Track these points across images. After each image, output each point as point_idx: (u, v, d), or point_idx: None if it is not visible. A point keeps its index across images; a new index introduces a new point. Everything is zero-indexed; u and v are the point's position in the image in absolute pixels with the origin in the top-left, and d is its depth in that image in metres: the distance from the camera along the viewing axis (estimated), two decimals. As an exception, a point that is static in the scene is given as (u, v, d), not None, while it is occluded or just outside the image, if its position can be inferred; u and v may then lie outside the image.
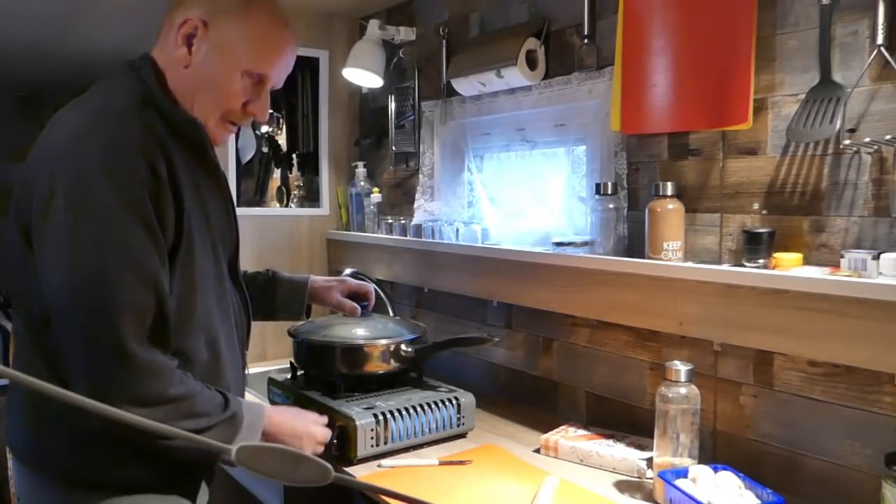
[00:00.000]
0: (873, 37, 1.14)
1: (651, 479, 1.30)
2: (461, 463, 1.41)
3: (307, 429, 1.28)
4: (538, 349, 1.80)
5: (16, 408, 1.13)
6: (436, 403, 1.51)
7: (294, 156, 2.53)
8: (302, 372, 1.69)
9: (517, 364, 1.86)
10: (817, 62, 1.22)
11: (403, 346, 1.59)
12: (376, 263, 2.23)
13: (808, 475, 1.26)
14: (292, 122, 2.51)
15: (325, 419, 1.36)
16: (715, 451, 1.40)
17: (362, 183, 2.38)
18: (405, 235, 2.15)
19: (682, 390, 1.23)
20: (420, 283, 2.09)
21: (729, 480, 1.18)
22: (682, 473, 1.21)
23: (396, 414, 1.44)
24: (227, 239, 1.22)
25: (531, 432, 1.61)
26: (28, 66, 3.44)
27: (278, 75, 1.18)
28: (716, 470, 1.21)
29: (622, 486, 1.32)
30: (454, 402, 1.54)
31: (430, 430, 1.50)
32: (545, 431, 1.53)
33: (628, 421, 1.58)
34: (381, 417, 1.42)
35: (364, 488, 0.91)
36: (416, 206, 2.21)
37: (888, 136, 1.12)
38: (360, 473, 1.36)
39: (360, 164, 2.41)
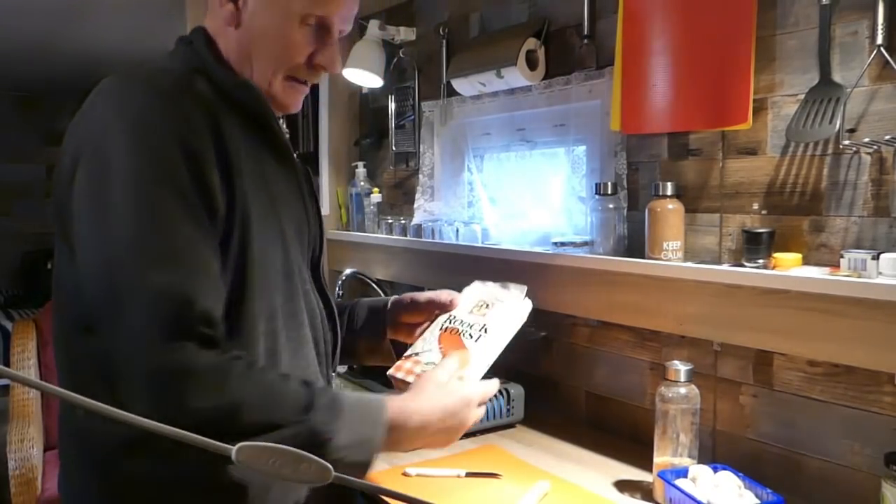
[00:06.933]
0: (873, 37, 1.14)
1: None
2: (491, 476, 1.35)
3: (456, 415, 0.98)
4: (538, 349, 1.80)
5: (63, 457, 1.00)
6: None
7: (294, 156, 2.53)
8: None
9: (517, 364, 1.86)
10: (817, 62, 1.22)
11: None
12: (376, 263, 2.23)
13: (808, 475, 1.26)
14: (292, 122, 2.51)
15: (487, 384, 1.05)
16: (715, 451, 1.40)
17: (362, 183, 2.38)
18: (405, 235, 2.15)
19: (682, 390, 1.24)
20: (420, 283, 2.09)
21: (729, 480, 1.18)
22: (682, 473, 1.21)
23: None
24: (302, 230, 1.06)
25: (531, 432, 1.61)
26: (28, 65, 3.44)
27: (342, 16, 1.01)
28: (715, 470, 1.21)
29: (622, 486, 1.32)
30: (504, 393, 1.61)
31: (481, 419, 1.54)
32: (544, 431, 1.54)
33: (628, 421, 1.58)
34: None
35: (364, 488, 0.91)
36: (416, 206, 2.21)
37: (888, 136, 1.12)
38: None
39: (360, 164, 2.41)
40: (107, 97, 0.89)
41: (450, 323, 1.13)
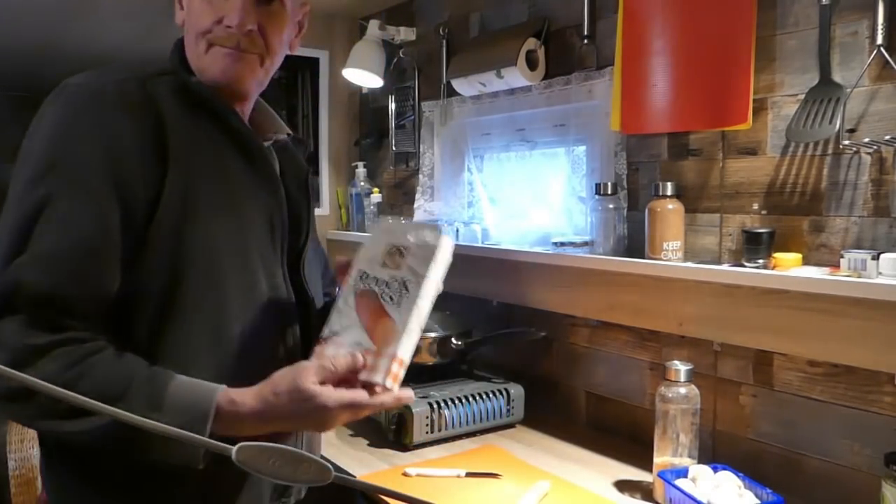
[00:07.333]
0: (873, 37, 1.14)
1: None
2: (491, 476, 1.35)
3: (305, 420, 0.90)
4: (538, 349, 1.80)
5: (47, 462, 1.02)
6: (486, 394, 1.59)
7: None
8: None
9: (517, 364, 1.86)
10: (817, 62, 1.22)
11: (453, 339, 1.68)
12: (376, 263, 2.23)
13: (808, 475, 1.26)
14: (292, 122, 2.51)
15: (341, 362, 0.89)
16: (715, 451, 1.40)
17: (362, 183, 2.38)
18: (405, 235, 2.15)
19: (682, 390, 1.24)
20: (420, 283, 2.09)
21: (729, 480, 1.18)
22: (682, 473, 1.21)
23: (450, 403, 1.53)
24: (275, 223, 1.04)
25: (531, 432, 1.61)
26: (28, 66, 3.44)
27: None
28: (715, 470, 1.21)
29: (622, 486, 1.32)
30: (504, 392, 1.62)
31: (481, 418, 1.57)
32: (544, 431, 1.54)
33: (628, 421, 1.58)
34: (435, 406, 1.51)
35: (364, 488, 0.91)
36: (416, 206, 2.21)
37: (888, 136, 1.12)
38: (395, 467, 1.37)
39: (360, 164, 2.41)
40: (50, 98, 0.94)
41: (362, 283, 0.95)
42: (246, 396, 0.88)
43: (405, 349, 0.90)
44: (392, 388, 0.89)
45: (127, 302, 0.90)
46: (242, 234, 0.99)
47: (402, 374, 0.90)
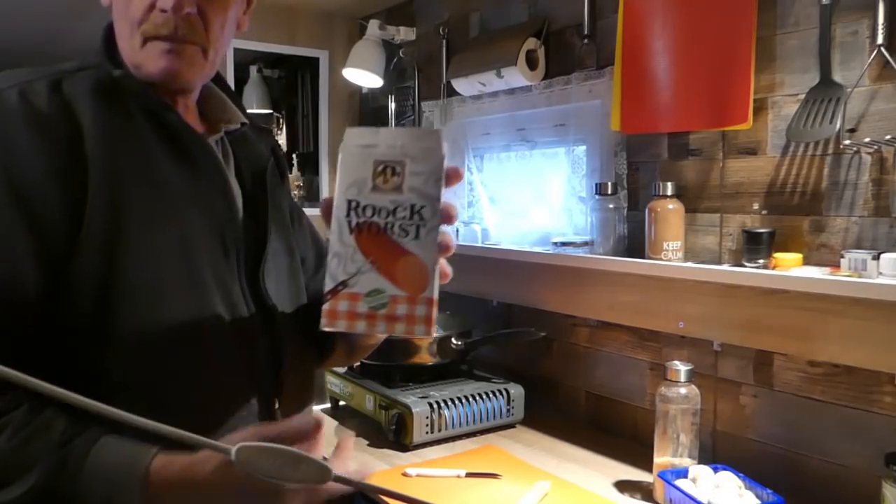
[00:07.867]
0: (873, 37, 1.14)
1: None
2: (491, 476, 1.35)
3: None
4: (538, 349, 1.80)
5: None
6: (486, 394, 1.59)
7: (294, 156, 2.53)
8: (358, 364, 1.77)
9: (517, 364, 1.86)
10: (817, 62, 1.22)
11: (453, 340, 1.67)
12: (376, 263, 2.23)
13: (808, 475, 1.26)
14: (292, 122, 2.51)
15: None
16: (715, 451, 1.40)
17: (362, 183, 2.38)
18: (405, 235, 2.15)
19: (682, 390, 1.24)
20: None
21: (729, 480, 1.18)
22: (682, 473, 1.21)
23: (450, 403, 1.53)
24: (226, 233, 0.91)
25: (531, 432, 1.61)
26: (28, 66, 3.44)
27: None
28: (716, 470, 1.21)
29: (622, 486, 1.32)
30: (504, 392, 1.62)
31: (481, 419, 1.58)
32: (544, 431, 1.54)
33: (628, 421, 1.58)
34: (435, 406, 1.51)
35: (364, 488, 0.90)
36: (416, 205, 2.21)
37: (888, 136, 1.12)
38: (398, 465, 1.36)
39: (360, 164, 2.40)
40: None
41: (357, 215, 0.75)
42: (173, 484, 0.72)
43: (437, 289, 0.73)
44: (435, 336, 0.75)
45: (57, 336, 0.79)
46: (188, 248, 0.85)
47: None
